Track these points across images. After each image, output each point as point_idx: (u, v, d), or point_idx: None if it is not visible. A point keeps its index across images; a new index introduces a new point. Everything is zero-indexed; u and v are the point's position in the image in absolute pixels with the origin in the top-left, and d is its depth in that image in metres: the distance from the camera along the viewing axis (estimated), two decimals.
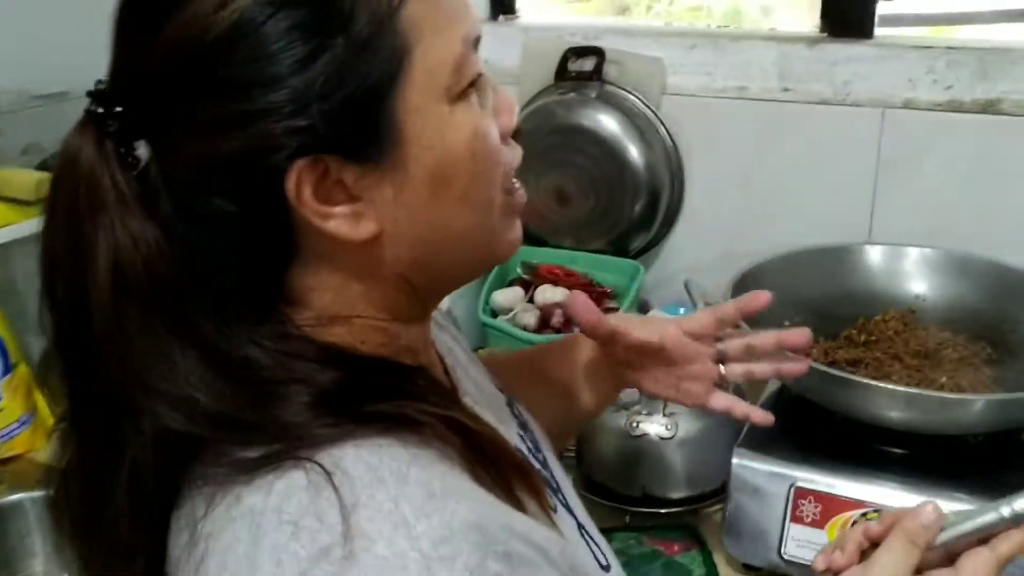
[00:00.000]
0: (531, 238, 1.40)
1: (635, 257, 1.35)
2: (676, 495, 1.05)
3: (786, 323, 1.12)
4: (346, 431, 0.47)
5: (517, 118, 0.58)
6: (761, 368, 0.78)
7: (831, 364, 1.05)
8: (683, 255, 1.34)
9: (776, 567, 0.93)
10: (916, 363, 1.05)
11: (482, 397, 0.68)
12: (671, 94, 1.29)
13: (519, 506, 0.52)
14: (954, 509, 0.62)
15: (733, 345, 0.78)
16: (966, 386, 1.01)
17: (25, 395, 1.23)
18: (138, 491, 0.50)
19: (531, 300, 1.31)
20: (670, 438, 1.02)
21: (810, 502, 0.92)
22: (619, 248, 1.35)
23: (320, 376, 0.50)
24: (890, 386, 0.91)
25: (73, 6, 0.82)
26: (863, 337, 1.10)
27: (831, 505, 0.91)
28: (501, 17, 1.43)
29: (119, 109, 0.48)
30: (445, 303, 1.28)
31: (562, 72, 1.32)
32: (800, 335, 0.75)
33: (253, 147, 0.47)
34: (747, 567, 0.97)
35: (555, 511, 0.60)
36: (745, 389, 1.11)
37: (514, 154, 0.58)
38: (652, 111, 1.30)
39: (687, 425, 1.03)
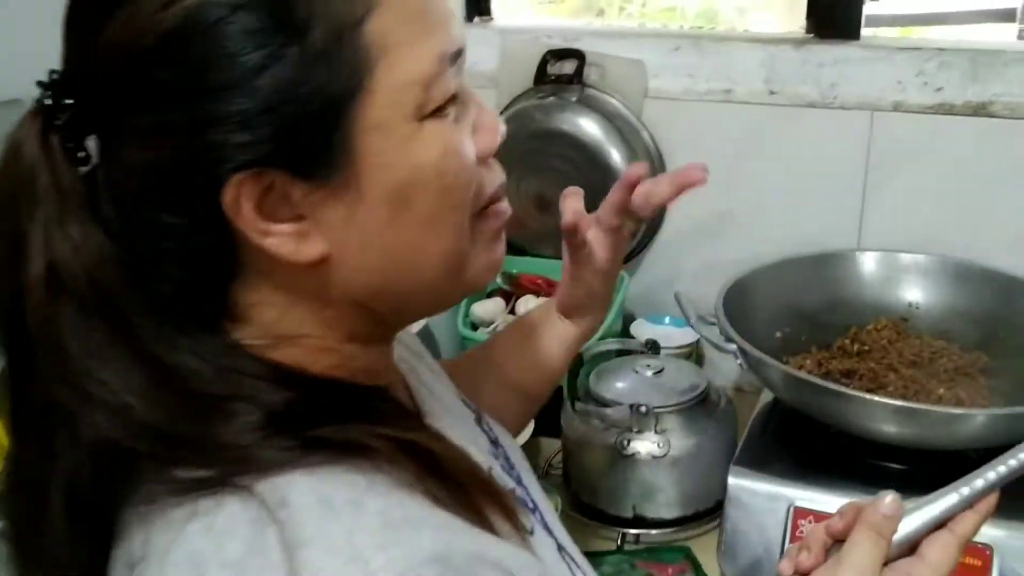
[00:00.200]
0: (511, 247, 1.33)
1: None
2: (669, 515, 1.02)
3: (777, 333, 1.10)
4: (294, 456, 0.45)
5: (500, 136, 0.54)
6: (659, 188, 0.70)
7: (825, 375, 1.03)
8: (667, 263, 1.31)
9: None
10: (911, 373, 1.03)
11: (448, 415, 0.65)
12: (653, 97, 1.26)
13: (491, 530, 0.49)
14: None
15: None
16: (964, 397, 0.99)
17: None
18: (74, 506, 0.47)
19: (512, 312, 1.27)
20: (662, 456, 0.98)
21: (810, 522, 0.89)
22: None
23: (265, 395, 0.47)
24: (890, 401, 0.88)
25: (26, 13, 0.78)
26: (856, 347, 1.08)
27: None
28: (477, 19, 1.39)
29: (69, 102, 0.46)
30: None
31: (541, 75, 1.28)
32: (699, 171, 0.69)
33: (192, 157, 0.45)
34: None
35: (531, 533, 0.58)
36: (736, 405, 1.08)
37: (493, 175, 0.54)
38: (634, 115, 1.27)
39: (680, 443, 0.99)
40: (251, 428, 0.46)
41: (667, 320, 1.29)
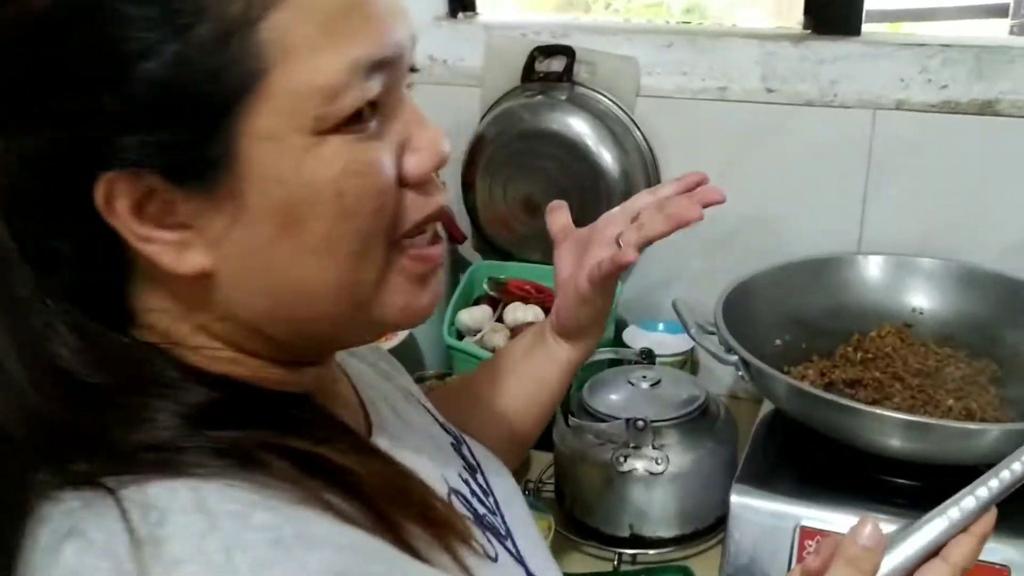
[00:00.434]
0: (498, 252, 1.31)
1: None
2: (667, 534, 0.97)
3: (777, 341, 1.06)
4: (182, 462, 0.42)
5: (438, 160, 0.49)
6: (653, 225, 0.71)
7: (828, 385, 0.99)
8: (661, 267, 1.26)
9: None
10: (918, 383, 0.99)
11: (412, 436, 0.61)
12: (646, 96, 1.22)
13: (415, 553, 0.46)
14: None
15: (646, 214, 0.73)
16: (976, 409, 0.95)
17: None
18: None
19: (500, 319, 1.22)
20: (660, 473, 0.94)
21: (818, 542, 0.85)
22: None
23: (164, 391, 0.45)
24: (904, 416, 0.83)
25: None
26: (860, 355, 1.04)
27: None
28: (460, 14, 1.34)
29: None
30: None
31: (529, 73, 1.24)
32: (714, 191, 0.72)
33: (65, 150, 0.42)
34: None
35: (495, 559, 0.54)
36: (735, 416, 1.04)
37: (426, 203, 0.49)
38: (626, 114, 1.22)
39: (679, 458, 0.94)
40: (136, 425, 0.43)
41: (661, 327, 1.25)
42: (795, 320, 1.07)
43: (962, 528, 0.55)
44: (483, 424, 0.77)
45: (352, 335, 0.53)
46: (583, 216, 0.78)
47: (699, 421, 0.98)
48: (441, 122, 0.50)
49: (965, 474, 0.85)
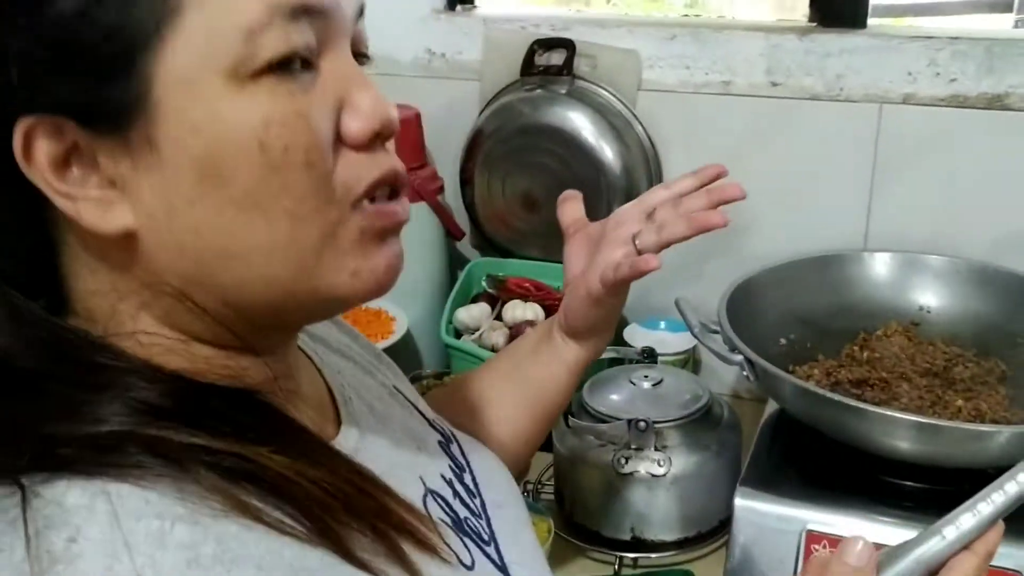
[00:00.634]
0: (497, 249, 1.29)
1: None
2: (670, 537, 0.95)
3: (782, 340, 1.04)
4: (107, 463, 0.40)
5: (380, 122, 0.46)
6: (674, 227, 0.69)
7: (835, 385, 0.97)
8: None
9: None
10: (927, 383, 0.97)
11: (388, 433, 0.58)
12: (648, 90, 1.19)
13: (360, 563, 0.44)
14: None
15: (662, 211, 0.71)
16: (985, 409, 0.93)
17: None
18: None
19: (499, 317, 1.20)
20: (663, 475, 0.92)
21: (824, 547, 0.83)
22: None
23: (94, 382, 0.42)
24: (914, 418, 0.81)
25: None
26: (866, 354, 1.03)
27: None
28: (459, 7, 1.31)
29: None
30: (403, 324, 1.17)
31: (528, 67, 1.22)
32: (734, 187, 0.71)
33: None
34: None
35: (470, 567, 0.52)
36: (739, 416, 1.02)
37: (373, 164, 0.46)
38: (628, 108, 1.20)
39: (681, 460, 0.92)
40: (66, 419, 0.41)
41: (662, 325, 1.23)
42: (800, 319, 1.06)
43: (963, 546, 0.52)
44: (486, 425, 0.75)
45: (298, 310, 0.49)
46: (584, 212, 0.78)
47: (702, 422, 0.96)
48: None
49: (974, 476, 0.84)
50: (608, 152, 1.18)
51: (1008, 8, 2.14)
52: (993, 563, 0.55)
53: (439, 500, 0.56)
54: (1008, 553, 0.77)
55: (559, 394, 0.77)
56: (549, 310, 1.19)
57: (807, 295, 1.07)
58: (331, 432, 0.55)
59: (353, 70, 0.46)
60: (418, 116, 1.21)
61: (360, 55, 0.48)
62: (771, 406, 1.02)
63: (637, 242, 0.70)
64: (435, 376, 1.13)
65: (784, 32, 1.13)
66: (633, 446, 0.92)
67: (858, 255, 1.10)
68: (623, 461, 0.92)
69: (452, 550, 0.51)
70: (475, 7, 1.33)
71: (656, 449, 0.92)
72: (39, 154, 0.42)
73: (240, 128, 0.42)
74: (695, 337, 0.93)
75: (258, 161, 0.43)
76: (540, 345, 0.77)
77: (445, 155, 1.28)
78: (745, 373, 0.90)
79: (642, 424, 0.91)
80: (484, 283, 1.25)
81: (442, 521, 0.54)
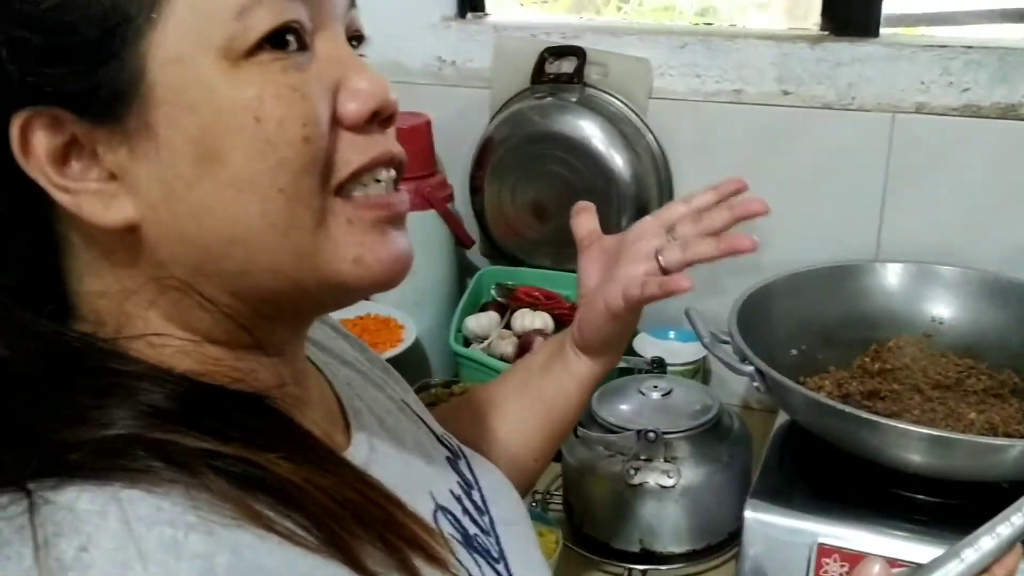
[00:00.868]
0: (507, 257, 1.29)
1: None
2: (679, 549, 0.95)
3: (792, 351, 1.04)
4: (117, 468, 0.39)
5: (378, 102, 0.46)
6: (701, 247, 0.70)
7: (845, 397, 0.96)
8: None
9: None
10: (938, 395, 0.97)
11: (397, 448, 0.58)
12: (659, 98, 1.19)
13: (366, 571, 0.43)
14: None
15: (682, 226, 0.71)
16: (998, 422, 0.92)
17: None
18: None
19: (508, 326, 1.20)
20: (672, 486, 0.91)
21: (835, 560, 0.82)
22: None
23: (102, 387, 0.42)
24: (927, 431, 0.80)
25: None
26: (877, 366, 1.02)
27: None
28: (469, 15, 1.31)
29: None
30: (412, 332, 1.16)
31: (539, 74, 1.22)
32: (757, 202, 0.72)
33: None
34: None
35: None
36: (749, 427, 1.01)
37: (367, 145, 0.46)
38: (638, 116, 1.20)
39: (691, 472, 0.92)
40: (74, 425, 0.40)
41: (672, 334, 1.22)
42: (811, 329, 1.05)
43: (983, 568, 0.51)
44: (496, 441, 0.74)
45: (305, 297, 0.48)
46: (598, 224, 0.78)
47: (712, 433, 0.95)
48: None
49: (986, 490, 0.83)
50: (618, 160, 1.18)
51: (1022, 18, 2.13)
52: None
53: (449, 516, 0.56)
54: None
55: (570, 410, 0.76)
56: (558, 319, 1.18)
57: (818, 305, 1.06)
58: (341, 443, 0.54)
59: (348, 53, 0.46)
60: (428, 124, 1.21)
61: (355, 38, 0.48)
62: (781, 417, 1.01)
63: (661, 259, 0.69)
64: (443, 384, 1.13)
65: (796, 40, 1.12)
66: (642, 457, 0.92)
67: (870, 265, 1.09)
68: (632, 472, 0.92)
69: (463, 566, 0.50)
70: (486, 15, 1.33)
71: (665, 460, 0.92)
72: (37, 148, 0.42)
73: (235, 103, 0.42)
74: (705, 347, 0.92)
75: (253, 136, 0.42)
76: (552, 360, 0.76)
77: (455, 163, 1.28)
78: (755, 384, 0.89)
79: (651, 435, 0.90)
80: (493, 291, 1.25)
81: (452, 537, 0.53)
